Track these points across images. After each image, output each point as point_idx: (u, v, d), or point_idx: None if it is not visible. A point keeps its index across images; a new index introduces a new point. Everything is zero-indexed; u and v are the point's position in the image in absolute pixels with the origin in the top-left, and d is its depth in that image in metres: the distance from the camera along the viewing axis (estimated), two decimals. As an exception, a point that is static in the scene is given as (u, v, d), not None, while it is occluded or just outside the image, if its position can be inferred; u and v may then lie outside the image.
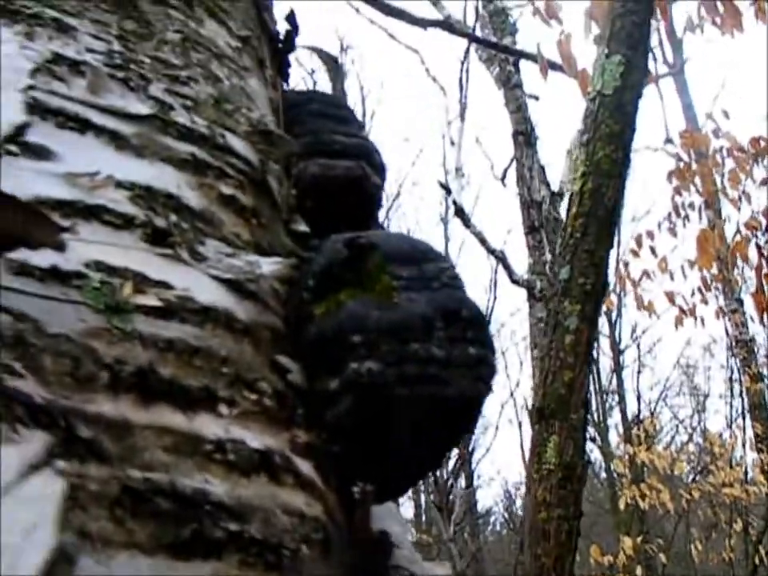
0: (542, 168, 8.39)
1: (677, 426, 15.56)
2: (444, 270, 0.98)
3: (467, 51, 7.88)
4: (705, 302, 6.87)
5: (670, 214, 6.63)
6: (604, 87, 3.01)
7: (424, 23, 4.61)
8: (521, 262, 9.55)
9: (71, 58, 0.91)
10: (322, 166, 1.20)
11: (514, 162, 8.15)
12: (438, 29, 4.75)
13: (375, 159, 1.28)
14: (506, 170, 8.30)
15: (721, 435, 10.99)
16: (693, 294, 6.93)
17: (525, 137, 8.36)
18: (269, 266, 0.89)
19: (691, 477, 11.27)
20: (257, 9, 1.26)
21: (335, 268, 0.93)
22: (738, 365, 9.43)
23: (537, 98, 8.50)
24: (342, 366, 0.87)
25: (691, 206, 6.66)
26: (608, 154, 2.96)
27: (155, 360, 0.76)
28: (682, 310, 6.88)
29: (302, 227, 1.03)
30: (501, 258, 7.45)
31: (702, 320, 7.13)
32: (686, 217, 6.61)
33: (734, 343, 9.28)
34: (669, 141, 5.51)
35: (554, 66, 4.55)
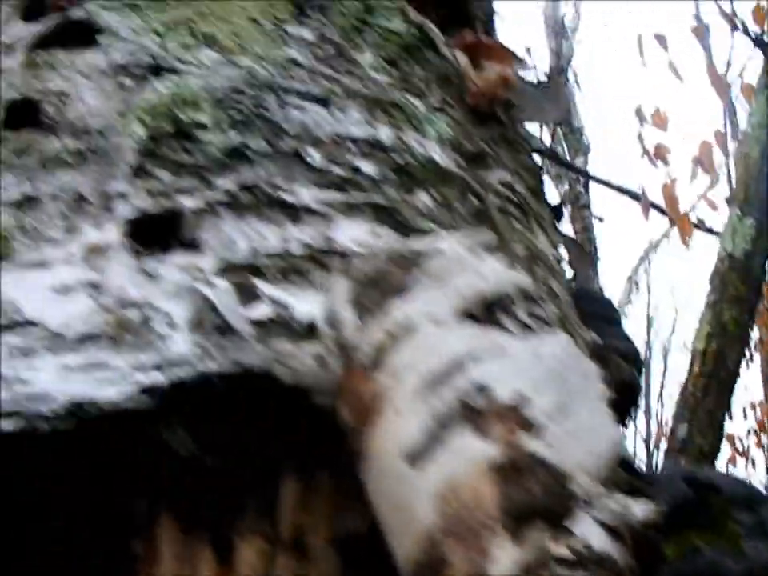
0: (601, 290, 8.42)
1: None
2: (775, 515, 1.00)
3: (540, 168, 8.02)
4: (760, 445, 6.83)
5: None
6: (734, 249, 3.06)
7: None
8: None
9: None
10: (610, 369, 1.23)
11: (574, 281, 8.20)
12: (539, 155, 4.85)
13: (640, 364, 1.31)
14: (566, 288, 8.36)
15: None
16: (748, 434, 6.90)
17: (588, 257, 8.40)
18: (640, 509, 0.90)
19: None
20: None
21: (682, 508, 0.95)
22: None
23: (601, 220, 8.55)
24: (698, 615, 0.89)
25: (756, 346, 6.68)
26: (734, 317, 2.99)
27: (573, 614, 0.77)
28: (737, 451, 6.84)
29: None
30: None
31: (754, 462, 7.08)
32: (751, 357, 6.61)
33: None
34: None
35: (653, 205, 4.61)
